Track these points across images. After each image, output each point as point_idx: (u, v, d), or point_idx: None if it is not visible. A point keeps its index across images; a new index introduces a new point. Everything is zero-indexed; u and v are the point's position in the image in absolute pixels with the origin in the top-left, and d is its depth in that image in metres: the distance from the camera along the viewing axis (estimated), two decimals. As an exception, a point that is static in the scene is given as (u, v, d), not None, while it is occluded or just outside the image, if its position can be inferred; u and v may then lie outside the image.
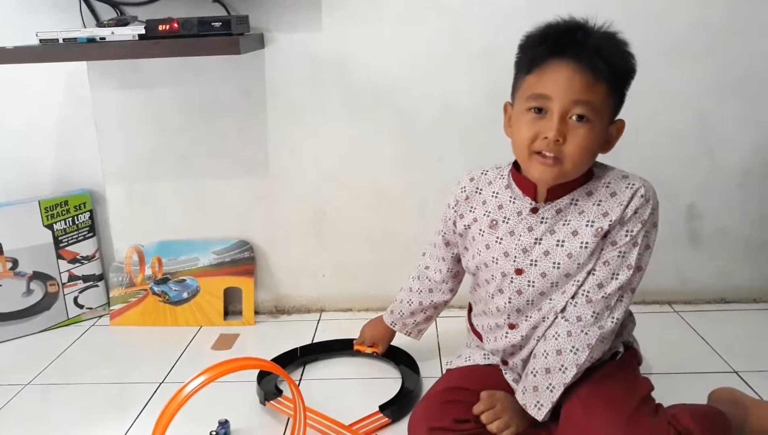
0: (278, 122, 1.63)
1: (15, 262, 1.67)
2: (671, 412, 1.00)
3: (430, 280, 1.30)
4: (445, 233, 1.23)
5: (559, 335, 1.04)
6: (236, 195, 1.70)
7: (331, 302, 1.76)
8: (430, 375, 1.36)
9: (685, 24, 1.52)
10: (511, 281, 1.08)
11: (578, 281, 1.04)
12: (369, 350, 1.46)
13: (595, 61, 0.94)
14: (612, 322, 1.04)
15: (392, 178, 1.65)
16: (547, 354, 1.05)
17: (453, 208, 1.18)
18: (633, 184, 1.03)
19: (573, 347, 1.03)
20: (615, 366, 1.09)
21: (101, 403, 1.37)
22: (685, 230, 1.66)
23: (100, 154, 1.70)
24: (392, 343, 1.45)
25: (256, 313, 1.74)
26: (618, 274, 1.03)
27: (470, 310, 1.26)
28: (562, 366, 1.03)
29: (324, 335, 1.60)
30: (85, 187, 1.76)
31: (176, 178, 1.71)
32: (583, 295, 1.04)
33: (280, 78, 1.60)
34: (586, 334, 1.03)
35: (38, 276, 1.71)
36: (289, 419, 1.24)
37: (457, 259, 1.25)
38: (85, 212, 1.75)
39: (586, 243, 1.03)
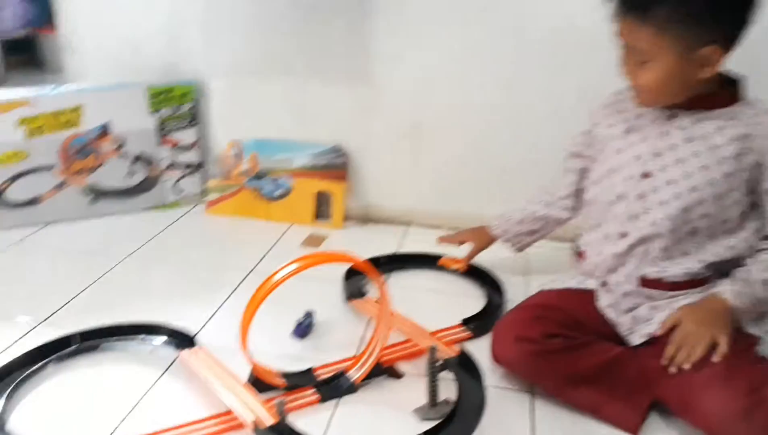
0: (386, 28, 1.58)
1: (122, 144, 1.73)
2: None
3: (551, 195, 1.30)
4: (575, 146, 1.24)
5: None
6: (336, 100, 1.68)
7: (419, 217, 1.74)
8: (514, 299, 1.33)
9: None
10: (637, 184, 1.05)
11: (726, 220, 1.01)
12: (454, 266, 1.44)
13: (637, 5, 0.96)
14: None
15: (497, 98, 1.58)
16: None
17: (591, 117, 1.19)
18: None
19: None
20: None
21: (193, 282, 1.42)
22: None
23: (206, 47, 1.71)
24: (479, 265, 1.43)
25: (345, 219, 1.75)
26: None
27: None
28: None
29: (409, 248, 1.59)
30: (190, 78, 1.79)
31: (279, 79, 1.70)
32: None
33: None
34: None
35: (141, 159, 1.77)
36: (370, 318, 1.26)
37: (583, 174, 1.23)
38: (188, 102, 1.78)
39: (724, 157, 0.98)
